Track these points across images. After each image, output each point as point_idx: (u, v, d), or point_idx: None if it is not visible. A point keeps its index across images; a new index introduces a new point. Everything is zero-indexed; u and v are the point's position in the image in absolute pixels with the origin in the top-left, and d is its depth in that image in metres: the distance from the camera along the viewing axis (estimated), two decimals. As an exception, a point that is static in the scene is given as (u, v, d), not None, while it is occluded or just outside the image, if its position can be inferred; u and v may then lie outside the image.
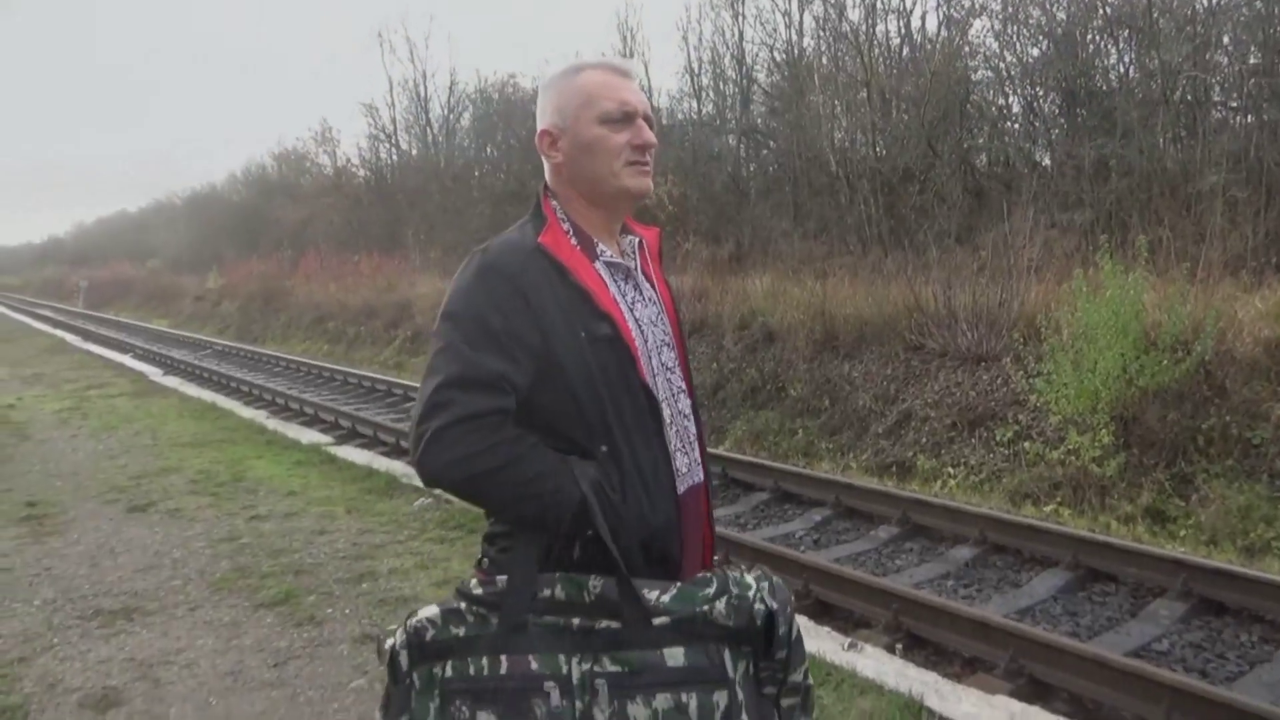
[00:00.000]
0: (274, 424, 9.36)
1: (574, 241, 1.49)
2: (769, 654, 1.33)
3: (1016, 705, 3.13)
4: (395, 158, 31.95)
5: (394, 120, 31.03)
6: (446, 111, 30.00)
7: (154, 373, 14.61)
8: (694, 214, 18.72)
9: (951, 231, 13.04)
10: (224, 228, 38.76)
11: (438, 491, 6.10)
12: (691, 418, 1.57)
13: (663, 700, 1.27)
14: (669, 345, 1.56)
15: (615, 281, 1.52)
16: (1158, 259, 8.96)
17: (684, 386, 1.57)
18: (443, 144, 30.32)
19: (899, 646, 4.08)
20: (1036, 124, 15.43)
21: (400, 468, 6.88)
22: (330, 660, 3.66)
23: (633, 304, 1.52)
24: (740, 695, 1.29)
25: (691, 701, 1.27)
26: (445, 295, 1.44)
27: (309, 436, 8.67)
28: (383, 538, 5.23)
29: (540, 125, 1.55)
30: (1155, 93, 12.93)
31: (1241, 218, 10.60)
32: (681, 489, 1.50)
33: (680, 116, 21.86)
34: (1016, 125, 15.87)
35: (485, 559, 1.45)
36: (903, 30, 17.64)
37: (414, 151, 31.41)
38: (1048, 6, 14.93)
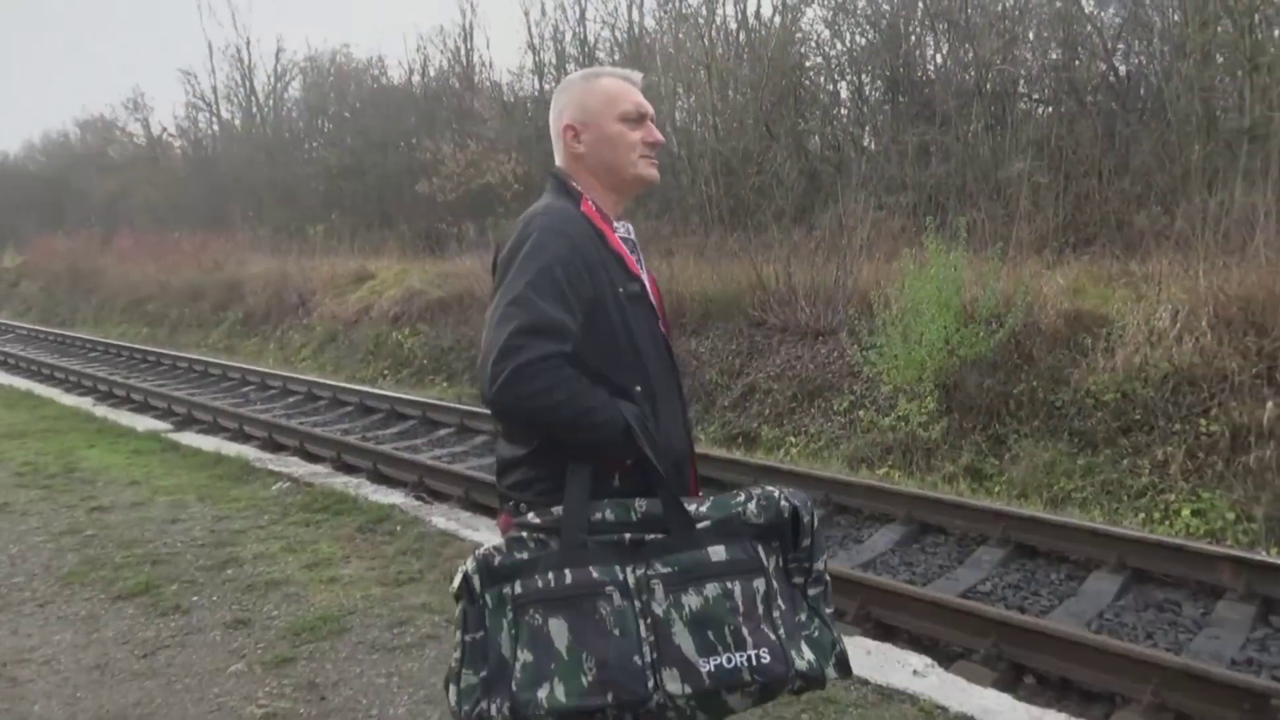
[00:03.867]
0: (102, 411, 8.81)
1: (599, 215, 1.76)
2: (796, 544, 1.59)
3: (871, 643, 3.46)
4: (216, 128, 30.21)
5: (214, 88, 29.33)
6: (274, 80, 28.61)
7: (-49, 360, 13.36)
8: (538, 192, 18.68)
9: (789, 212, 13.64)
10: (21, 201, 35.47)
11: (299, 475, 5.99)
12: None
13: (712, 589, 1.50)
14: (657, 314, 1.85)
15: (630, 251, 1.78)
16: (974, 239, 9.75)
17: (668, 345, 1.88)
18: (269, 115, 28.88)
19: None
20: (864, 110, 16.32)
21: (253, 452, 6.68)
22: (204, 647, 3.59)
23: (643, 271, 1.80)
24: (775, 583, 1.55)
25: (736, 588, 1.50)
26: (509, 254, 1.64)
27: (144, 424, 8.22)
28: (243, 523, 5.10)
29: (564, 120, 1.80)
30: (969, 83, 13.94)
31: (1044, 201, 11.65)
32: None
33: (522, 93, 21.74)
34: (845, 111, 16.72)
35: (520, 504, 1.66)
36: (740, 15, 18.20)
37: (237, 122, 29.78)
38: (873, -2, 15.77)
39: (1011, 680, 3.89)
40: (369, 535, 4.84)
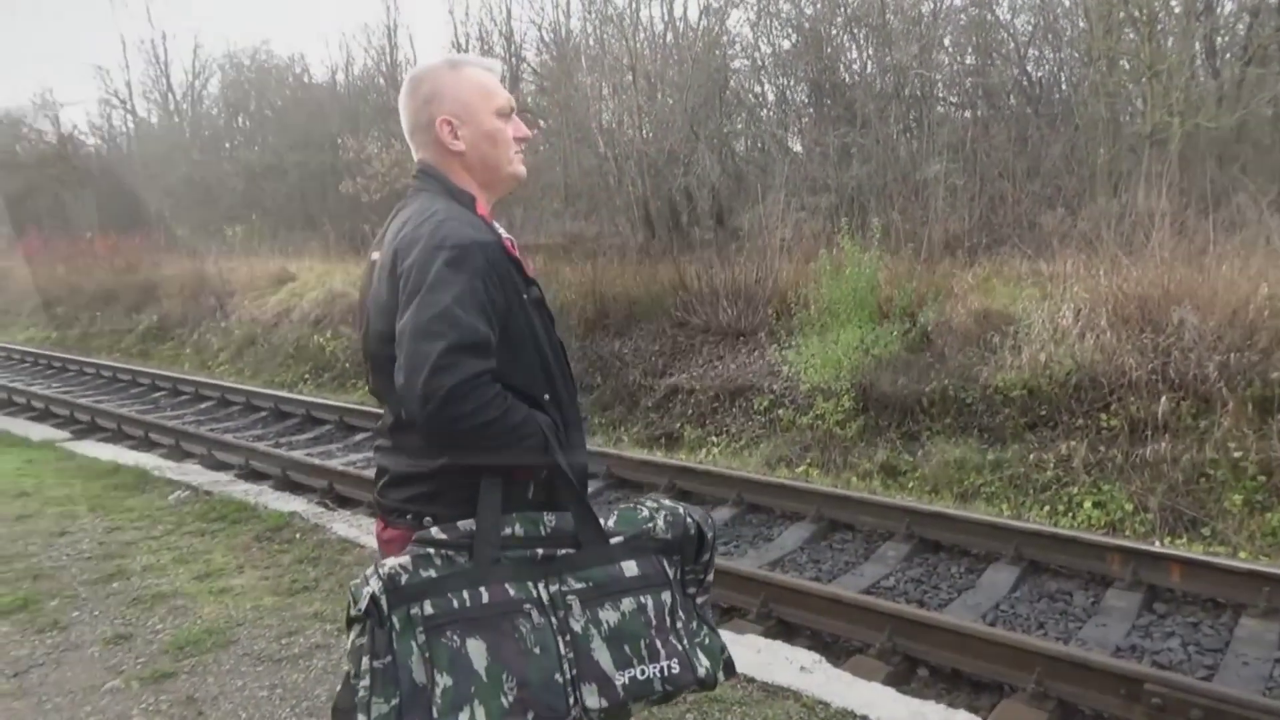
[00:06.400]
0: (-4, 420, 8.46)
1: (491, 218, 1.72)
2: (696, 559, 1.64)
3: (763, 641, 3.48)
4: (132, 126, 29.29)
5: (129, 84, 28.43)
6: (191, 77, 27.85)
7: None
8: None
9: (714, 213, 13.72)
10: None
11: (198, 483, 5.81)
12: None
13: (627, 603, 1.53)
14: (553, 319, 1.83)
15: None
16: (890, 239, 9.92)
17: None
18: (187, 112, 28.11)
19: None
20: (788, 112, 16.50)
21: (151, 461, 6.46)
22: (79, 665, 3.45)
23: None
24: (677, 594, 1.59)
25: (649, 601, 1.55)
26: (420, 263, 1.51)
27: (40, 432, 7.92)
28: (134, 535, 4.93)
29: (438, 113, 1.69)
30: (889, 87, 14.18)
31: (960, 202, 11.90)
32: None
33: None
34: (770, 113, 16.88)
35: (424, 517, 1.58)
36: (666, 16, 18.26)
37: (154, 119, 28.92)
38: (797, 2, 15.96)
39: (906, 674, 3.94)
40: (266, 544, 4.71)
